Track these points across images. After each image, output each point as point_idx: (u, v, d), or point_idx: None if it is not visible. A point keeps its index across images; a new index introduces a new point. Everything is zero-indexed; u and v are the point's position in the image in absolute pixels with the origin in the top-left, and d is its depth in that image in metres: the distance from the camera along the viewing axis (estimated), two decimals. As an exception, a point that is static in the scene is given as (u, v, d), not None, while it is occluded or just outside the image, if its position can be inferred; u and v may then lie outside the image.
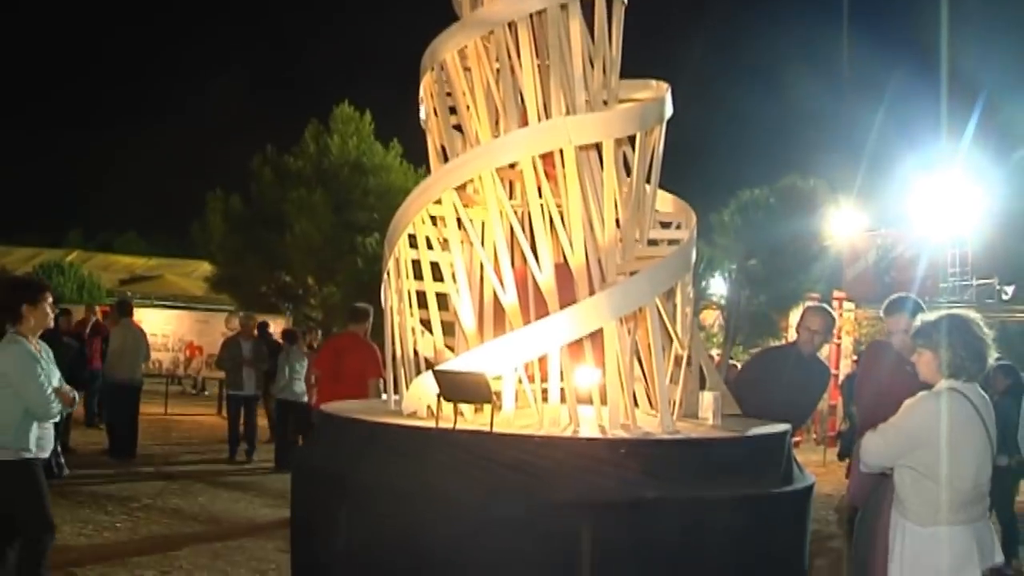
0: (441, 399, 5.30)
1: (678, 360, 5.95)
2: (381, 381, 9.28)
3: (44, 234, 48.01)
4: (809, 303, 25.89)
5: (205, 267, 31.74)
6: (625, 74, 6.69)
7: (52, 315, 5.89)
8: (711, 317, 27.57)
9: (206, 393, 25.88)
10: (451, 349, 6.44)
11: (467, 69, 6.39)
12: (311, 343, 16.64)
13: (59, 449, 5.58)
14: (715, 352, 23.30)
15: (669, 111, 6.34)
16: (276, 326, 25.64)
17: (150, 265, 41.80)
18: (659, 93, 6.39)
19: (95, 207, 70.13)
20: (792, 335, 28.29)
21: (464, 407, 5.56)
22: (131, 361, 13.64)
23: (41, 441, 5.59)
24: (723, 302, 26.74)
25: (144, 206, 69.38)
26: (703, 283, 25.34)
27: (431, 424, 5.32)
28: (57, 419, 5.77)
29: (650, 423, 5.63)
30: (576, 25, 6.11)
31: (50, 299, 5.73)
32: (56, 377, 5.69)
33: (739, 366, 19.63)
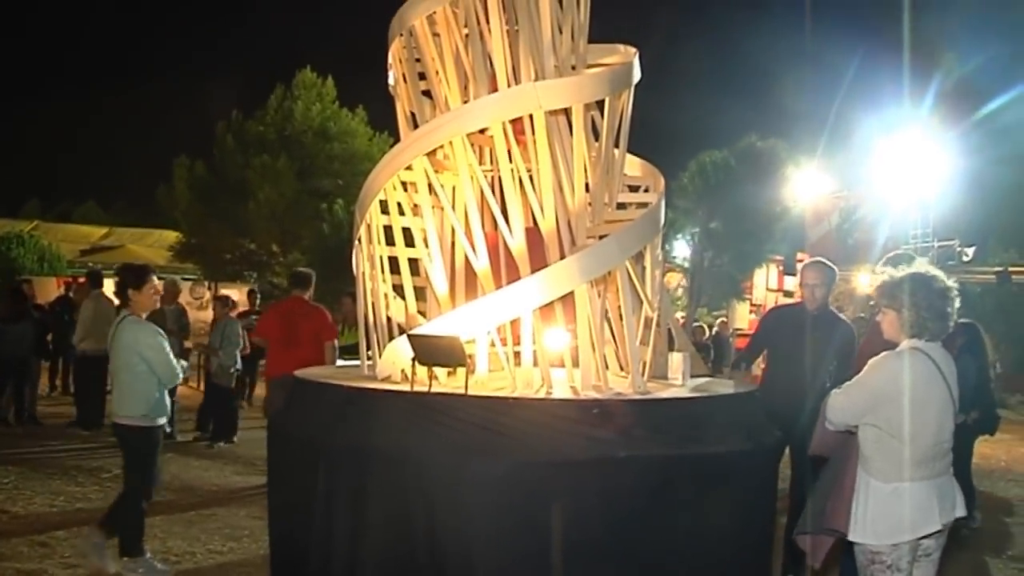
0: (415, 363, 5.36)
1: (648, 322, 6.04)
2: (336, 344, 9.30)
3: (1, 205, 47.32)
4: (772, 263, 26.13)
5: (168, 235, 31.51)
6: (590, 37, 6.73)
7: (158, 295, 6.69)
8: (674, 280, 27.83)
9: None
10: (424, 314, 6.50)
11: (436, 35, 6.40)
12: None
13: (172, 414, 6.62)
14: (680, 315, 23.53)
15: (637, 75, 6.39)
16: (240, 294, 25.57)
17: (111, 235, 41.34)
18: (627, 58, 6.43)
19: (51, 176, 69.10)
20: (756, 297, 28.50)
21: (438, 371, 5.63)
22: (101, 332, 13.52)
23: (162, 408, 6.37)
24: (686, 264, 26.96)
25: (102, 175, 68.51)
26: (665, 246, 25.55)
27: (406, 388, 5.37)
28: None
29: (621, 384, 5.73)
30: (544, -10, 6.12)
31: (154, 281, 6.42)
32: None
33: (705, 328, 19.90)
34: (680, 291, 27.87)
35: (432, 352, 5.29)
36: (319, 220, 25.30)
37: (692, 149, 26.03)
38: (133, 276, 6.34)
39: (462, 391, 5.11)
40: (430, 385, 5.31)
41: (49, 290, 21.73)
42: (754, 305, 27.70)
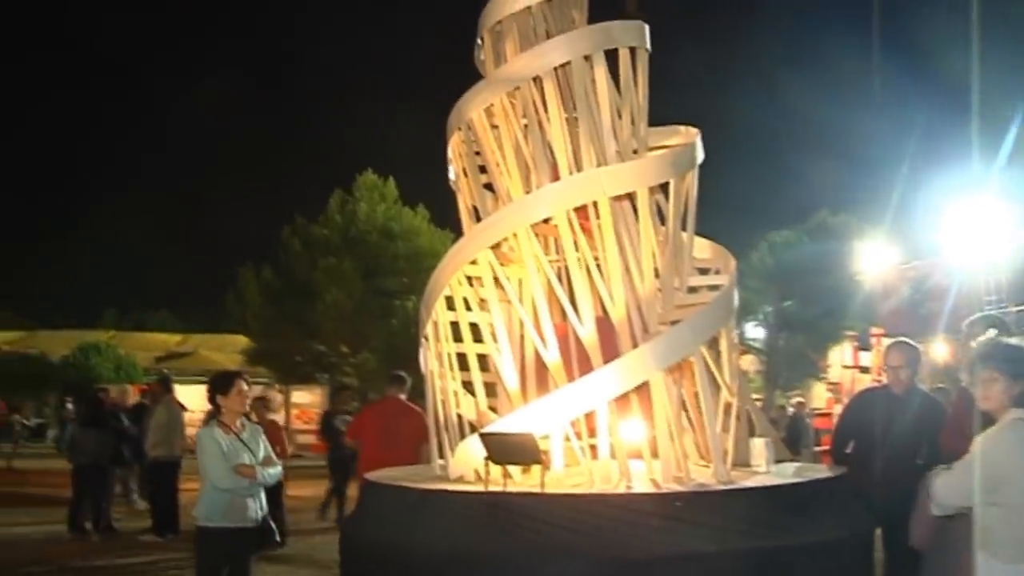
0: (489, 462, 5.20)
1: (727, 408, 5.82)
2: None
3: (81, 316, 48.70)
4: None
5: (239, 340, 31.91)
6: (653, 120, 6.68)
7: (247, 399, 6.57)
8: (748, 362, 27.32)
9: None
10: (495, 410, 6.35)
11: (495, 127, 6.38)
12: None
13: (269, 520, 6.41)
14: (756, 397, 23.03)
15: (700, 156, 6.29)
16: (312, 396, 25.62)
17: (185, 342, 42.15)
18: (689, 139, 6.35)
19: (127, 286, 71.14)
20: (832, 375, 27.76)
21: (513, 469, 5.46)
22: (171, 437, 13.59)
23: (241, 511, 6.22)
24: (760, 346, 26.48)
25: (175, 283, 70.39)
26: (739, 328, 25.12)
27: (480, 488, 5.21)
28: (256, 490, 6.38)
29: (704, 474, 5.49)
30: (602, 75, 6.10)
31: (242, 386, 6.39)
32: (260, 454, 6.33)
33: (788, 410, 19.39)
34: (755, 373, 27.33)
35: (505, 450, 5.13)
36: (387, 319, 25.42)
37: (761, 224, 25.81)
38: (220, 383, 6.41)
39: (538, 489, 4.92)
40: (504, 484, 5.13)
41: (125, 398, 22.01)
42: (831, 384, 27.02)
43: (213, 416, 6.43)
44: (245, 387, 6.48)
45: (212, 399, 6.37)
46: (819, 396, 26.57)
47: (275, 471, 6.52)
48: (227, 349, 35.62)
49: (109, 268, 75.46)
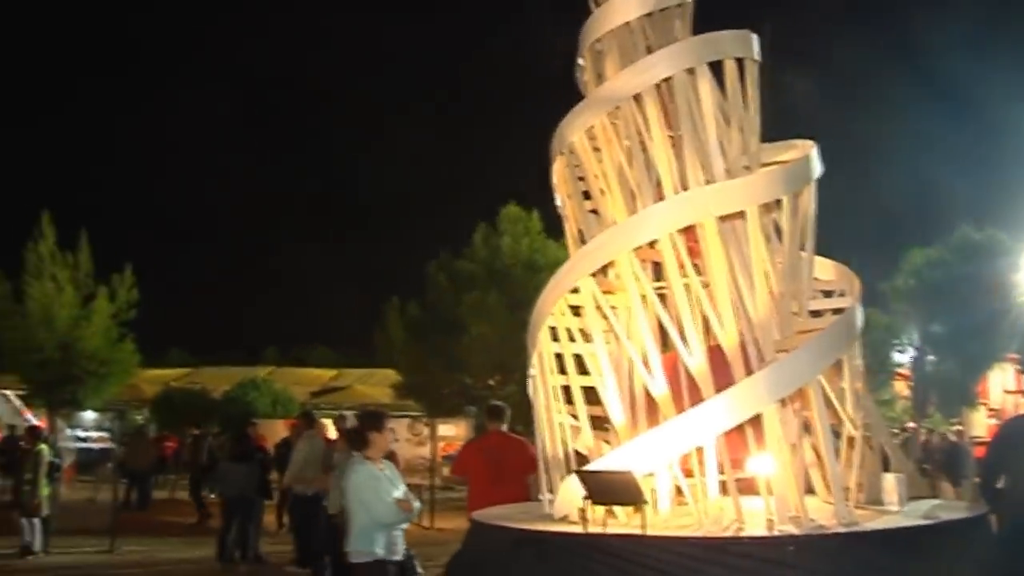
0: (589, 501, 4.90)
1: (851, 441, 5.33)
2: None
3: (245, 353, 50.74)
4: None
5: (389, 374, 32.41)
6: (774, 132, 6.28)
7: (392, 439, 6.80)
8: (899, 388, 25.76)
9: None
10: (608, 443, 6.04)
11: (597, 150, 6.12)
12: None
13: (411, 553, 6.57)
14: (911, 424, 21.71)
15: (817, 170, 5.85)
16: (459, 429, 25.73)
17: (339, 376, 43.19)
18: (804, 152, 5.91)
19: (288, 323, 73.80)
20: (993, 401, 25.89)
21: (618, 508, 5.14)
22: (311, 472, 13.75)
23: (391, 546, 6.23)
24: (906, 371, 24.92)
25: (331, 319, 72.54)
26: (885, 354, 23.66)
27: (580, 529, 4.91)
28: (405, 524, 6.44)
29: (826, 513, 5.03)
30: (706, 88, 5.76)
31: (390, 426, 6.54)
32: (400, 490, 6.32)
33: (949, 437, 18.17)
34: (906, 401, 25.75)
35: (605, 489, 4.83)
36: (532, 351, 25.30)
37: (899, 240, 24.36)
38: (376, 420, 6.47)
39: (639, 531, 4.59)
40: (605, 524, 4.82)
41: (277, 432, 22.61)
42: (992, 410, 25.16)
43: (354, 452, 6.37)
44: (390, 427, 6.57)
45: (363, 435, 6.45)
46: (979, 423, 24.77)
47: (417, 506, 6.58)
48: (379, 383, 36.23)
49: (270, 306, 78.58)
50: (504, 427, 9.13)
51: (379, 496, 6.15)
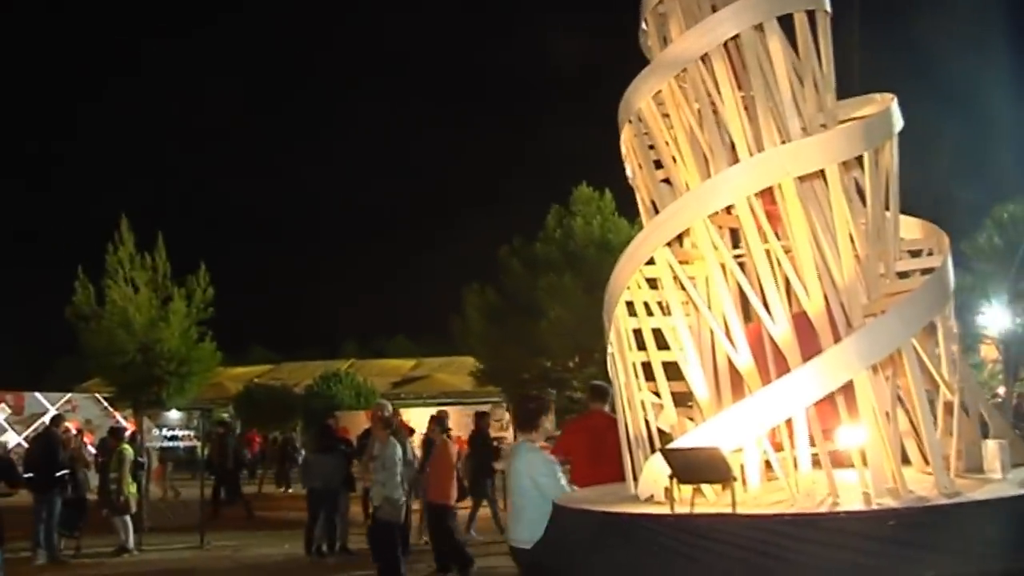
0: (675, 480, 4.71)
1: (949, 407, 5.04)
2: None
3: (324, 347, 51.46)
4: None
5: (468, 362, 32.51)
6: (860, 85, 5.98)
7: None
8: (989, 352, 24.82)
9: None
10: (693, 420, 5.84)
11: (666, 115, 5.89)
12: None
13: None
14: (1002, 390, 20.90)
15: (899, 124, 5.54)
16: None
17: (419, 366, 43.53)
18: (884, 105, 5.60)
19: (366, 315, 74.73)
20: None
21: (705, 487, 4.94)
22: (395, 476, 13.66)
23: None
24: (996, 335, 23.99)
25: (409, 309, 73.13)
26: (972, 316, 22.74)
27: (665, 509, 4.72)
28: None
29: (925, 484, 4.76)
30: (776, 44, 5.48)
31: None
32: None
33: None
34: (994, 365, 24.81)
35: (691, 467, 4.63)
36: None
37: (984, 198, 23.36)
38: (545, 404, 6.31)
39: (728, 509, 4.39)
40: (692, 504, 4.63)
41: (360, 423, 22.80)
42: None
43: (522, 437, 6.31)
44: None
45: (534, 418, 6.20)
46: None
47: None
48: (458, 371, 36.40)
49: (348, 299, 79.60)
50: (606, 407, 8.95)
51: (558, 481, 5.98)
